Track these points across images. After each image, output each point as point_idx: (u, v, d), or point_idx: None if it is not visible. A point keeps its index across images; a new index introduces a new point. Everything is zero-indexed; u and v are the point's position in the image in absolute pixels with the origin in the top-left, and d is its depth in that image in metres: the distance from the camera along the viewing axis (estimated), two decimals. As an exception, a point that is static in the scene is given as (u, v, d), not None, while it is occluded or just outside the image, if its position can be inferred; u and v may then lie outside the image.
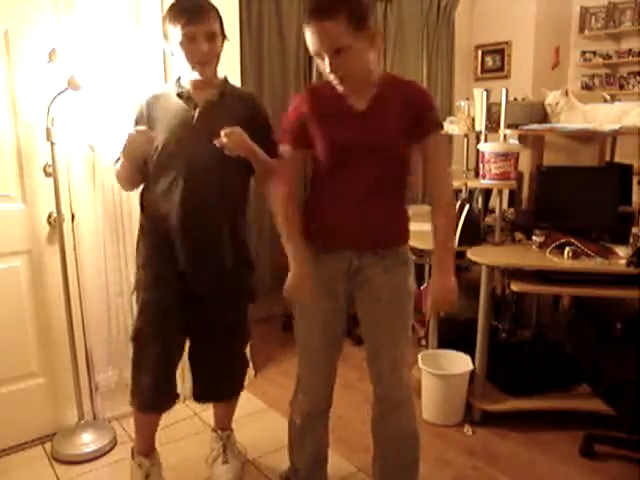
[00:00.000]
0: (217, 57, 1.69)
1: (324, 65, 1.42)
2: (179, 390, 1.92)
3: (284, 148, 1.58)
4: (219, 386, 1.96)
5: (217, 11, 1.66)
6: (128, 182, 1.84)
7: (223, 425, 2.10)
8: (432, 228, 1.57)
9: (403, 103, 1.48)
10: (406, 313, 1.64)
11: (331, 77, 1.43)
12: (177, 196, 1.68)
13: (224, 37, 1.70)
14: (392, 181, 1.56)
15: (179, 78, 1.76)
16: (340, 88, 1.46)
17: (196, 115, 1.69)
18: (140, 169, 1.75)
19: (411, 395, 1.69)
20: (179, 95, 1.71)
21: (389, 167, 1.54)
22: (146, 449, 1.93)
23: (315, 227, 1.60)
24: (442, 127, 1.58)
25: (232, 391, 2.01)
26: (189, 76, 1.69)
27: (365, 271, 1.58)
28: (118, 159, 1.76)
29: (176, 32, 1.59)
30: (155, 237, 1.78)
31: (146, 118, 1.74)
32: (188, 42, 1.59)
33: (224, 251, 1.76)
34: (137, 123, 1.74)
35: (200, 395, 1.99)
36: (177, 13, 1.60)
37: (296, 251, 1.58)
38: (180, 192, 1.68)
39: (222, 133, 1.55)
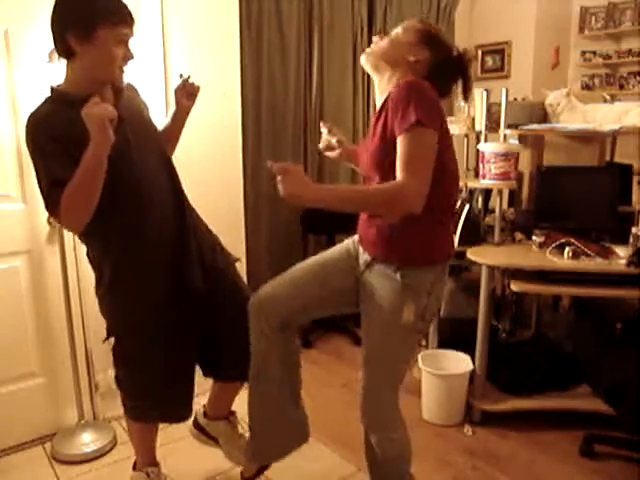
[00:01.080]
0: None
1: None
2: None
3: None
4: (246, 364, 1.77)
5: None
6: (91, 200, 1.42)
7: (229, 409, 2.01)
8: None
9: (387, 107, 1.42)
10: (392, 342, 1.52)
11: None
12: (162, 205, 1.61)
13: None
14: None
15: (57, 90, 1.51)
16: (365, 53, 1.54)
17: (126, 121, 1.50)
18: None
19: (392, 428, 1.62)
20: (83, 100, 1.38)
21: (379, 178, 1.45)
22: (150, 459, 1.88)
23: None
24: (420, 123, 1.31)
25: (244, 371, 1.81)
26: (81, 81, 1.47)
27: (368, 276, 1.54)
28: (57, 180, 1.39)
29: (106, 32, 1.39)
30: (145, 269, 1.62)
31: (67, 141, 1.40)
32: (119, 45, 1.42)
33: (202, 238, 1.73)
34: (59, 152, 1.42)
35: (229, 375, 1.88)
36: (108, 10, 1.40)
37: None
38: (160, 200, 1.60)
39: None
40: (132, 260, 1.60)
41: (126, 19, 1.42)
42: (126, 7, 1.44)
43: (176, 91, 1.71)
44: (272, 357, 1.63)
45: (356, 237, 1.65)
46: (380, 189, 1.39)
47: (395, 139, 1.36)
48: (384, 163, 1.41)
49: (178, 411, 1.79)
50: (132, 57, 1.49)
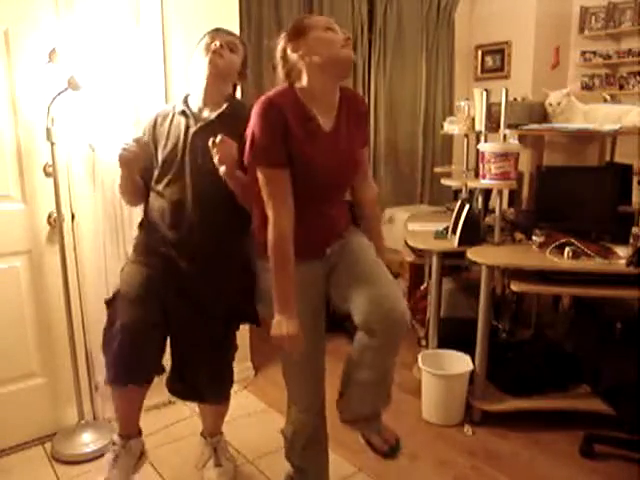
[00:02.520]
0: (230, 65, 1.73)
1: (334, 37, 1.46)
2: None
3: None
4: (203, 389, 1.88)
5: (244, 43, 1.81)
6: (129, 195, 1.84)
7: (212, 431, 2.08)
8: (366, 218, 1.74)
9: (354, 116, 1.58)
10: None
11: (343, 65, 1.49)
12: (186, 211, 1.70)
13: (244, 75, 1.81)
14: (347, 186, 1.68)
15: (187, 97, 1.79)
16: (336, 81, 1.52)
17: (191, 132, 1.71)
18: (139, 184, 1.78)
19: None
20: (182, 113, 1.75)
21: (350, 178, 1.65)
22: (126, 431, 1.86)
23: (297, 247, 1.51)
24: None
25: (216, 397, 1.94)
26: (199, 82, 1.73)
27: (333, 258, 1.59)
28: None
29: (204, 38, 1.73)
30: (154, 250, 1.77)
31: (150, 135, 1.78)
32: (208, 43, 1.70)
33: (231, 269, 1.76)
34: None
35: (181, 393, 1.94)
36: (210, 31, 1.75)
37: (290, 291, 1.47)
38: (188, 207, 1.70)
39: (211, 141, 1.56)
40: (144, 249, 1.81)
41: (217, 30, 1.75)
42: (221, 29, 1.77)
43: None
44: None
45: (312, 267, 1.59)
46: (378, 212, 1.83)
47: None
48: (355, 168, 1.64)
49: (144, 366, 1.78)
50: (222, 45, 1.70)
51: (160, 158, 1.74)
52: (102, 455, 2.21)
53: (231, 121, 1.69)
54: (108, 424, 2.38)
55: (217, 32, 1.74)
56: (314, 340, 1.63)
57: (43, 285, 2.25)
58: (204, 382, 1.86)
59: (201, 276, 1.74)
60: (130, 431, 1.86)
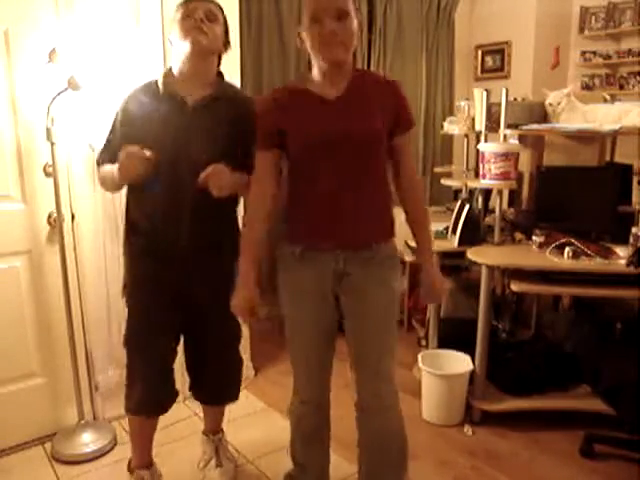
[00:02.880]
0: (214, 39, 1.62)
1: (318, 30, 1.41)
2: (179, 388, 1.92)
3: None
4: (222, 390, 1.95)
5: (221, 8, 1.68)
6: (115, 188, 1.79)
7: (214, 428, 2.09)
8: (412, 225, 1.61)
9: (384, 96, 1.50)
10: (390, 313, 1.59)
11: (323, 45, 1.43)
12: (183, 199, 1.64)
13: (228, 43, 1.72)
14: (371, 175, 1.52)
15: (168, 71, 1.69)
16: (337, 59, 1.44)
17: (181, 119, 1.62)
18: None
19: (393, 405, 1.64)
20: (169, 96, 1.63)
21: (367, 159, 1.50)
22: (144, 461, 1.91)
23: (298, 228, 1.56)
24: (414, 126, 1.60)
25: (235, 394, 1.99)
26: (183, 62, 1.63)
27: (348, 271, 1.53)
28: (103, 160, 1.74)
29: (178, 13, 1.60)
30: (145, 240, 1.72)
31: (125, 117, 1.67)
32: (186, 16, 1.57)
33: (225, 256, 1.73)
34: (119, 124, 1.70)
35: (204, 399, 1.99)
36: None
37: (247, 269, 1.56)
38: (184, 195, 1.64)
39: (202, 176, 1.52)
40: (135, 236, 1.74)
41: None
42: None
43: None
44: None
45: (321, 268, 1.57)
46: (427, 214, 1.66)
47: (389, 123, 1.50)
48: (379, 142, 1.51)
49: (162, 396, 1.84)
50: (202, 20, 1.58)
51: (152, 146, 1.57)
52: (102, 455, 2.22)
53: (223, 105, 1.65)
54: (108, 424, 2.38)
55: (196, 1, 1.59)
56: (319, 332, 1.63)
57: (43, 285, 2.25)
58: (223, 382, 1.91)
59: (200, 275, 1.73)
60: (149, 458, 1.92)
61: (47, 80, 2.09)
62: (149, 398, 1.80)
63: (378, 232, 1.55)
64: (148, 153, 1.53)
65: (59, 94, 2.03)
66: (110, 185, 1.75)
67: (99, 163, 1.77)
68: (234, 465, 2.10)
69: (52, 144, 2.08)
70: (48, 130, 2.05)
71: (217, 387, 1.94)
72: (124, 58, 2.26)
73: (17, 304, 2.20)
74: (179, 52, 1.62)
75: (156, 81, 1.67)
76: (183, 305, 1.77)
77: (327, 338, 1.65)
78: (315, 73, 1.51)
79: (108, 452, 2.24)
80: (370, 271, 1.53)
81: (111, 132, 1.74)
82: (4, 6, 2.02)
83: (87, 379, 2.37)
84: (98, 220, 2.32)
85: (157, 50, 2.35)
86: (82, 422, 2.31)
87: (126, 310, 1.81)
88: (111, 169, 1.63)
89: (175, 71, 1.67)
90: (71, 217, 2.26)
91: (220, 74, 1.74)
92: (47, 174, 2.17)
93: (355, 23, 1.44)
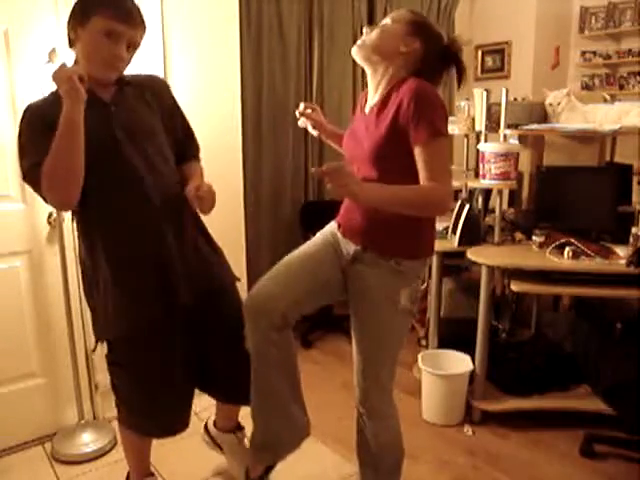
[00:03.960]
0: (125, 67, 1.51)
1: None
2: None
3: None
4: (235, 387, 1.82)
5: (146, 27, 1.50)
6: (71, 169, 1.38)
7: (235, 423, 2.02)
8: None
9: (397, 107, 1.42)
10: (390, 328, 1.57)
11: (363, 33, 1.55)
12: (152, 197, 1.52)
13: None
14: (362, 172, 1.50)
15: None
16: (356, 45, 1.53)
17: (112, 113, 1.49)
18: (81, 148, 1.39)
19: (385, 415, 1.64)
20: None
21: (377, 173, 1.48)
22: (144, 473, 1.86)
23: (342, 209, 1.66)
24: (440, 134, 1.40)
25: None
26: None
27: (364, 262, 1.54)
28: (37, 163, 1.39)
29: (99, 22, 1.38)
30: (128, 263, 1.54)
31: (48, 128, 1.39)
32: (109, 39, 1.40)
33: (196, 245, 1.65)
34: (40, 136, 1.42)
35: (229, 398, 1.89)
36: (110, 4, 1.41)
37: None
38: (145, 198, 1.52)
39: (192, 197, 1.47)
40: (117, 259, 1.54)
41: (125, 17, 1.41)
42: (132, 7, 1.45)
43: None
44: (271, 356, 1.61)
45: (334, 226, 1.66)
46: (423, 193, 1.42)
47: (404, 137, 1.41)
48: (385, 158, 1.47)
49: (172, 424, 1.73)
50: (124, 59, 1.45)
51: (89, 154, 1.40)
52: (102, 455, 2.22)
53: (138, 91, 1.57)
54: (108, 424, 2.38)
55: (122, 20, 1.39)
56: (314, 259, 1.63)
57: (43, 285, 2.25)
58: (233, 380, 1.78)
59: (187, 278, 1.61)
60: (149, 465, 1.87)
61: (47, 80, 2.08)
62: (172, 425, 1.72)
63: (389, 247, 1.52)
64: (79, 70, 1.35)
65: (59, 94, 2.02)
66: (66, 145, 1.37)
67: (32, 168, 1.42)
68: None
69: (52, 144, 2.07)
70: (48, 130, 2.05)
71: (229, 385, 1.82)
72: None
73: (17, 304, 2.20)
74: (83, 64, 1.45)
75: (54, 92, 1.47)
76: (183, 322, 1.65)
77: (327, 271, 1.62)
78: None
79: (108, 452, 2.24)
80: (377, 272, 1.52)
81: (30, 145, 1.47)
82: (4, 6, 2.02)
83: (87, 379, 2.37)
84: (98, 220, 2.32)
85: (157, 50, 2.35)
86: (82, 422, 2.31)
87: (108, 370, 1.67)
88: (59, 128, 1.35)
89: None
90: (71, 217, 2.26)
91: None
92: (47, 174, 2.16)
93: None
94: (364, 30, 1.56)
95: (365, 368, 1.60)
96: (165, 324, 1.59)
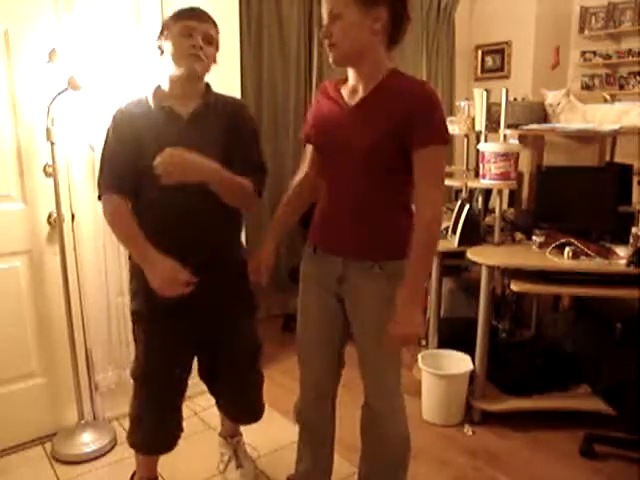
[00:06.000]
0: (209, 63, 1.61)
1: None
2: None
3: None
4: (240, 411, 1.94)
5: (217, 26, 1.63)
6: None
7: (233, 432, 2.09)
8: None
9: (400, 106, 1.37)
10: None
11: (324, 44, 1.42)
12: (185, 212, 1.60)
13: (216, 58, 1.65)
14: (375, 189, 1.45)
15: (157, 89, 1.64)
16: (331, 61, 1.43)
17: (183, 129, 1.59)
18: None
19: (398, 408, 1.64)
20: (162, 109, 1.60)
21: (368, 173, 1.44)
22: (150, 475, 1.90)
23: (313, 226, 1.62)
24: (443, 141, 1.38)
25: (255, 414, 1.95)
26: (173, 80, 1.60)
27: (350, 279, 1.53)
28: (111, 186, 1.59)
29: (175, 27, 1.56)
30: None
31: (124, 135, 1.59)
32: (183, 36, 1.55)
33: (228, 264, 1.72)
34: (118, 144, 1.60)
35: (237, 418, 1.99)
36: (180, 11, 1.59)
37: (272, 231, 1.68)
38: (185, 209, 1.59)
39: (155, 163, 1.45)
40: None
41: (193, 15, 1.57)
42: (197, 8, 1.60)
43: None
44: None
45: (309, 255, 1.63)
46: (431, 237, 1.40)
47: (402, 137, 1.37)
48: (378, 155, 1.41)
49: (170, 437, 1.80)
50: (203, 49, 1.56)
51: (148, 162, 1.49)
52: (102, 455, 2.22)
53: (219, 113, 1.64)
54: (108, 424, 2.38)
55: (191, 17, 1.56)
56: (322, 317, 1.62)
57: (43, 285, 2.25)
58: (240, 402, 1.90)
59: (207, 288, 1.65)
60: (155, 473, 1.90)
61: (47, 80, 2.09)
62: (157, 438, 1.77)
63: (380, 249, 1.48)
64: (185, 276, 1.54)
65: (59, 94, 2.03)
66: (123, 243, 1.65)
67: (107, 189, 1.61)
68: (254, 466, 2.10)
69: (52, 144, 2.08)
70: (48, 130, 2.05)
71: (234, 406, 1.93)
72: (124, 58, 2.26)
73: (17, 304, 2.20)
74: (170, 70, 1.60)
75: (146, 97, 1.64)
76: (198, 329, 1.73)
77: (331, 326, 1.63)
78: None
79: (108, 452, 2.24)
80: (368, 282, 1.49)
81: (110, 153, 1.62)
82: (4, 6, 2.02)
83: (87, 379, 2.37)
84: (98, 220, 2.32)
85: (157, 50, 2.34)
86: (82, 422, 2.31)
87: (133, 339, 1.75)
88: (138, 239, 1.56)
89: (164, 86, 1.64)
90: (71, 217, 2.26)
91: (207, 84, 1.69)
92: (47, 174, 2.17)
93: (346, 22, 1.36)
94: (324, 42, 1.41)
95: (371, 372, 1.60)
96: (179, 310, 1.63)
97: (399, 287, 1.41)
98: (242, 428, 2.12)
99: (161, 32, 1.62)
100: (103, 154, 1.64)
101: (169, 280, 1.53)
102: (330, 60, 1.43)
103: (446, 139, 1.38)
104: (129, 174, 1.58)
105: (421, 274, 1.43)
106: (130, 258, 1.70)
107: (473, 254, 2.42)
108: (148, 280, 1.54)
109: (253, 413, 1.93)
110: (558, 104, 2.65)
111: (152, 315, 1.67)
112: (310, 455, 1.78)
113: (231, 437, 2.08)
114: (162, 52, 1.62)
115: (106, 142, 1.63)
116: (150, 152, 1.46)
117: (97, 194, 1.64)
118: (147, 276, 1.55)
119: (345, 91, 1.50)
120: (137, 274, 1.63)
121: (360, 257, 1.49)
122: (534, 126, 2.62)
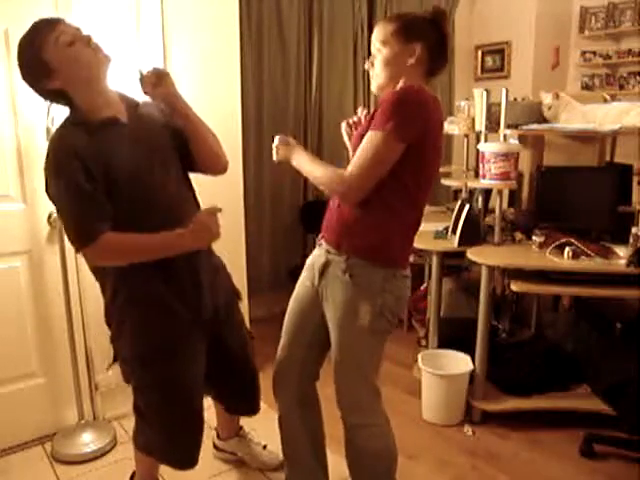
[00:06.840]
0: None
1: None
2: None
3: None
4: (239, 402, 1.96)
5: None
6: (136, 260, 1.48)
7: (236, 430, 2.15)
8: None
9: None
10: (350, 348, 1.57)
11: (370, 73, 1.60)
12: (182, 217, 1.51)
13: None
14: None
15: (76, 111, 1.47)
16: (372, 88, 1.60)
17: (135, 136, 1.50)
18: None
19: (372, 423, 1.64)
20: (103, 123, 1.44)
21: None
22: (151, 477, 1.89)
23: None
24: (381, 128, 1.41)
25: (254, 406, 1.97)
26: (88, 90, 1.45)
27: (322, 281, 1.59)
28: (99, 228, 1.40)
29: (48, 47, 1.38)
30: (164, 284, 1.55)
31: (87, 165, 1.38)
32: (70, 43, 1.40)
33: (213, 263, 1.71)
34: (85, 177, 1.38)
35: (236, 409, 2.01)
36: (37, 31, 1.42)
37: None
38: (181, 212, 1.54)
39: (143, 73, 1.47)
40: (145, 280, 1.54)
41: (51, 24, 1.41)
42: (42, 20, 1.44)
43: (143, 90, 1.57)
44: (295, 425, 1.79)
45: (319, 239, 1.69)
46: (329, 169, 1.50)
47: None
48: None
49: (189, 456, 1.75)
50: (88, 38, 1.43)
51: (125, 176, 1.43)
52: (102, 455, 2.22)
53: (148, 109, 1.61)
54: (108, 424, 2.38)
55: (57, 23, 1.41)
56: (300, 308, 1.73)
57: (43, 285, 2.25)
58: (239, 394, 1.92)
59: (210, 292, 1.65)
60: (156, 475, 1.90)
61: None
62: (196, 455, 1.74)
63: (352, 243, 1.52)
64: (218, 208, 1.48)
65: (59, 94, 2.02)
66: (145, 255, 1.48)
67: (88, 239, 1.41)
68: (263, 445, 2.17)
69: (52, 144, 2.07)
70: (48, 130, 2.05)
71: (234, 399, 1.94)
72: (124, 58, 2.26)
73: (17, 304, 2.20)
74: (80, 81, 1.43)
75: (70, 121, 1.47)
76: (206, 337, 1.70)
77: (308, 325, 1.71)
78: None
79: (108, 452, 2.24)
80: (338, 287, 1.54)
81: (78, 199, 1.39)
82: (4, 6, 2.03)
83: (87, 379, 2.37)
84: (98, 220, 2.32)
85: (157, 50, 2.35)
86: (82, 422, 2.31)
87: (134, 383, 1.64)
88: (160, 239, 1.45)
89: (81, 104, 1.46)
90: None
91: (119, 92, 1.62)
92: (47, 174, 2.17)
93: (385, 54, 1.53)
94: (366, 67, 1.60)
95: (341, 385, 1.63)
96: (190, 339, 1.61)
97: (363, 302, 1.50)
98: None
99: (39, 71, 1.42)
100: (66, 208, 1.42)
101: (208, 225, 1.45)
102: (372, 87, 1.60)
103: (385, 128, 1.39)
104: (105, 203, 1.42)
105: (309, 161, 1.58)
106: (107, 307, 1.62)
107: (473, 254, 2.42)
108: (199, 243, 1.48)
109: (253, 398, 1.94)
110: (549, 108, 2.65)
111: (167, 351, 1.56)
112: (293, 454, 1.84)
113: (237, 434, 2.13)
114: (59, 90, 1.45)
115: (67, 192, 1.39)
116: (127, 170, 1.43)
117: (74, 248, 1.45)
118: (194, 245, 1.47)
119: None
120: (129, 313, 1.56)
121: (335, 245, 1.55)
122: (534, 126, 2.62)
